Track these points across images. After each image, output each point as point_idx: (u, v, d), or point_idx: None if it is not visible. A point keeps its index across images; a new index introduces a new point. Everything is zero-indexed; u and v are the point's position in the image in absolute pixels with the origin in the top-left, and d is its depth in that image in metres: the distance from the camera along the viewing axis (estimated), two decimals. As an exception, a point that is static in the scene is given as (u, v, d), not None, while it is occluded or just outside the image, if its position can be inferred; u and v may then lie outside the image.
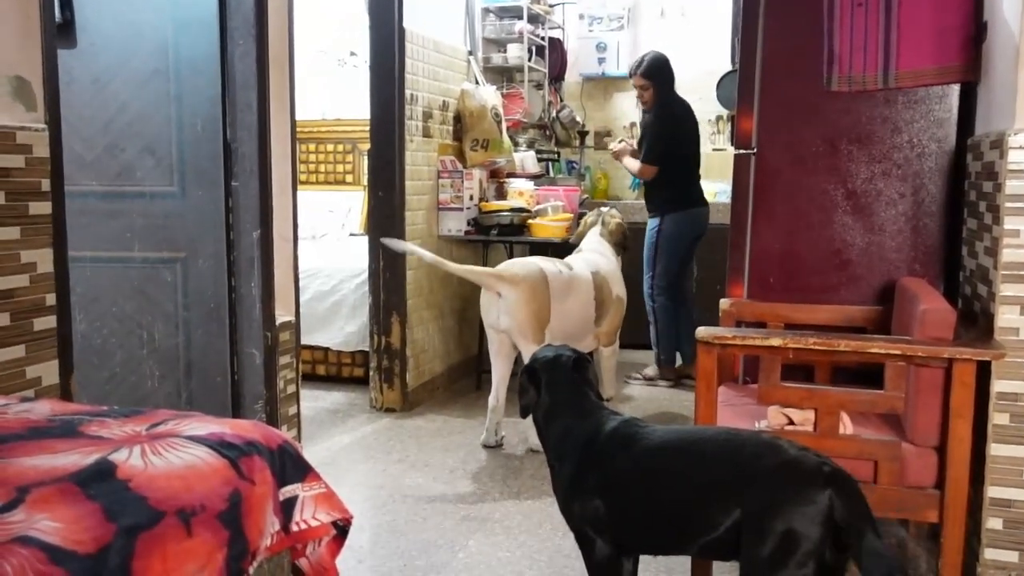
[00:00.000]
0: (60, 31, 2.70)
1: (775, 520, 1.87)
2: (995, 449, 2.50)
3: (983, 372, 2.46)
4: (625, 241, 4.87)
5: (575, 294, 4.22)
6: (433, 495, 3.53)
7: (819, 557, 1.86)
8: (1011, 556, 2.52)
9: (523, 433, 4.06)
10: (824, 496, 1.87)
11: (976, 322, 2.67)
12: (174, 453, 1.60)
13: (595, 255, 4.58)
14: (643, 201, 5.40)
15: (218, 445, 1.67)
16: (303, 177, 6.73)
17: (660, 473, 2.08)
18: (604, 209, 4.94)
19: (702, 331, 2.56)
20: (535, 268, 4.03)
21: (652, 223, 5.21)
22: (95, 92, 3.11)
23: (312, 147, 6.82)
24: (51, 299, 2.31)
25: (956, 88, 3.00)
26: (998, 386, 2.48)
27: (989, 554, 2.53)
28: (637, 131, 5.72)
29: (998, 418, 2.49)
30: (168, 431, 1.72)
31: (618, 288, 4.58)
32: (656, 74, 5.06)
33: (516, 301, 3.93)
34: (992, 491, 2.52)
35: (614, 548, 2.13)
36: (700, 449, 2.07)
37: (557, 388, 2.30)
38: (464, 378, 5.39)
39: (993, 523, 2.52)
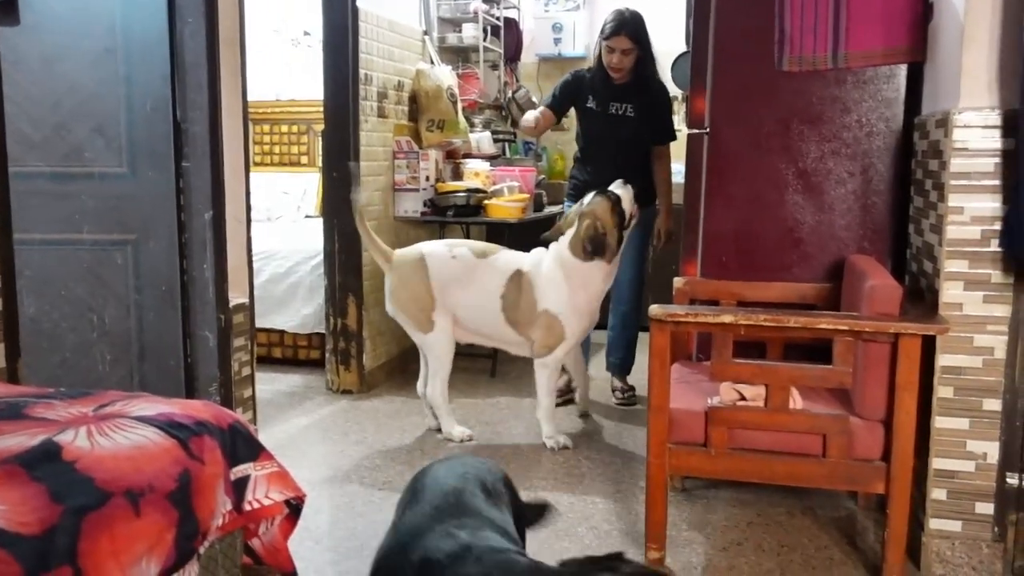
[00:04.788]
0: (3, 8, 2.65)
1: None
2: (939, 422, 2.56)
3: (928, 347, 2.52)
4: (594, 248, 3.73)
5: (479, 282, 3.84)
6: (390, 476, 3.53)
7: None
8: (955, 526, 2.58)
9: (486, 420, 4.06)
10: None
11: (922, 298, 2.73)
12: (122, 434, 1.59)
13: (539, 258, 3.90)
14: None
15: (167, 425, 1.66)
16: (258, 159, 6.67)
17: None
18: (586, 201, 3.86)
19: (655, 309, 2.59)
20: (413, 251, 3.83)
21: (646, 213, 4.34)
22: (43, 71, 3.05)
23: (266, 128, 6.76)
24: (-4, 281, 2.27)
25: (904, 68, 3.05)
26: (943, 360, 2.54)
27: (934, 524, 2.60)
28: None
29: (943, 391, 2.55)
30: (116, 412, 1.71)
31: (550, 304, 3.77)
32: (644, 38, 4.29)
33: (391, 286, 3.88)
34: (937, 463, 2.58)
35: None
36: None
37: None
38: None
39: (938, 494, 2.59)
